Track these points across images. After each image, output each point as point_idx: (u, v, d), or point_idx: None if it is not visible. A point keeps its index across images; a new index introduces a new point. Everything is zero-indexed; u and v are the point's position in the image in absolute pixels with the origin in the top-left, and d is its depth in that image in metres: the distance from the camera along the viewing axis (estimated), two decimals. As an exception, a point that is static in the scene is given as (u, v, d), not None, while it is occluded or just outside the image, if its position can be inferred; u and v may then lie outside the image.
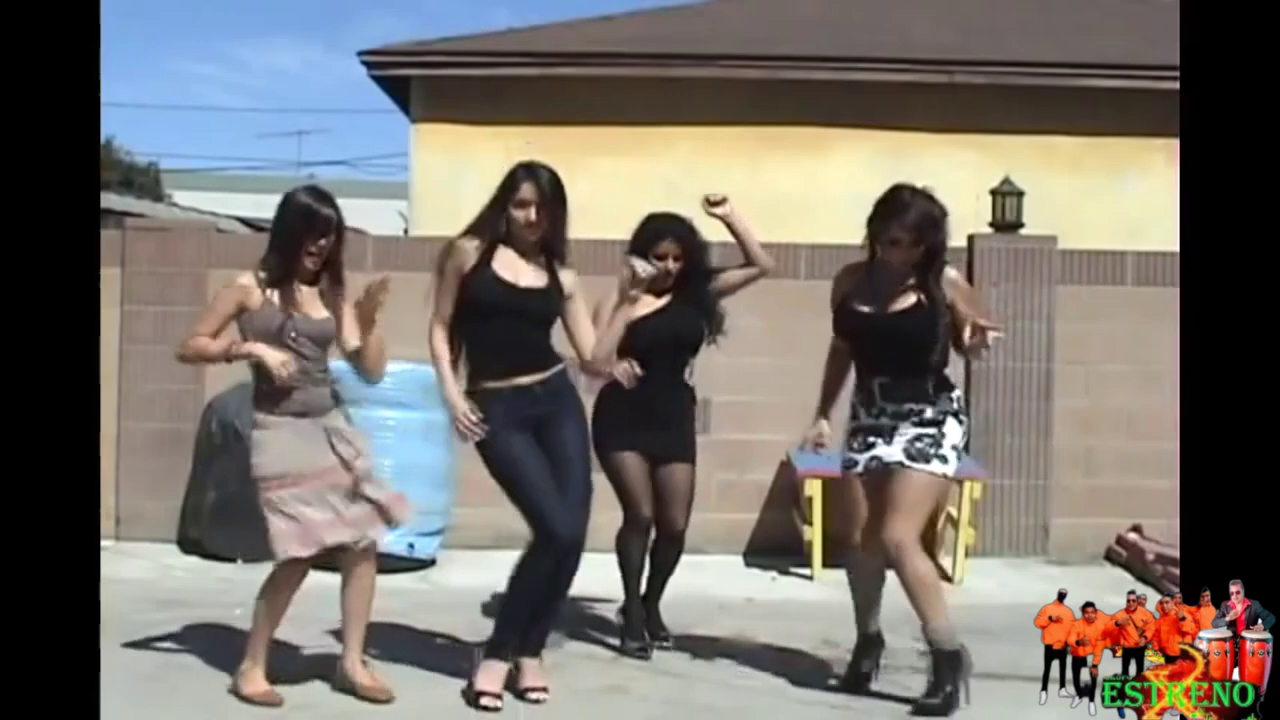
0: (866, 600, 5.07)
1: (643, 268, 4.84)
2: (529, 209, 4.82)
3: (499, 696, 4.79)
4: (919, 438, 4.81)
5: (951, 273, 4.92)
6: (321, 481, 4.79)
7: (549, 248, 4.92)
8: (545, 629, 5.01)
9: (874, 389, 4.89)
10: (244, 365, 7.39)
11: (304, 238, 4.80)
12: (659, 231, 5.50)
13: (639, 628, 5.57)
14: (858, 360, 4.99)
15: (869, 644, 5.09)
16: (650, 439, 5.45)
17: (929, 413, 4.83)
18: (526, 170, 4.88)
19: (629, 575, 5.58)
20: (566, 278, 4.97)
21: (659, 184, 11.05)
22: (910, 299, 4.84)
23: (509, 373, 4.84)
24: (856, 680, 5.05)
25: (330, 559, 4.89)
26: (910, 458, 4.79)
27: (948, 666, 4.77)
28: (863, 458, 4.89)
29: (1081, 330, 7.91)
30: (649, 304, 5.36)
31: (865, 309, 4.89)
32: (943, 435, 4.83)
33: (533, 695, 4.88)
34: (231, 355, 4.84)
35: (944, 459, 4.82)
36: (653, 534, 5.58)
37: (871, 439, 4.87)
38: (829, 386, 5.15)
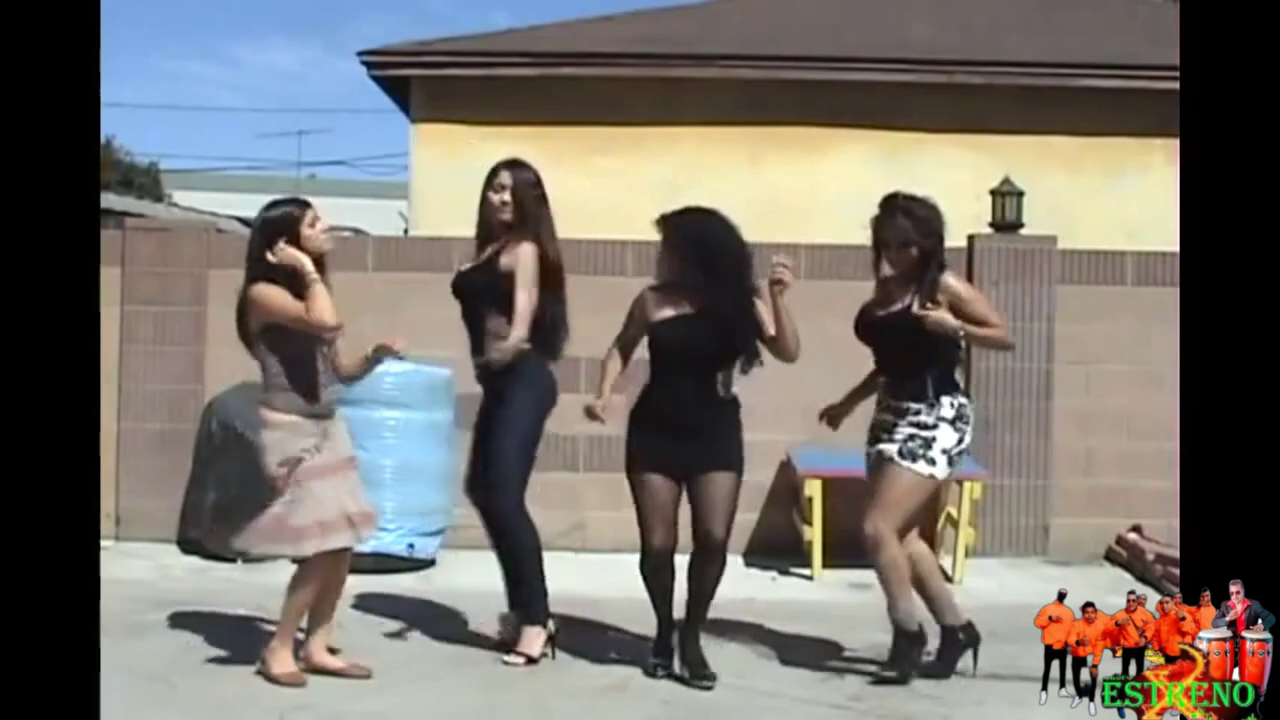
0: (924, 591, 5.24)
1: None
2: (503, 192, 5.38)
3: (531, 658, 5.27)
4: (912, 437, 5.03)
5: (950, 280, 5.14)
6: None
7: (517, 232, 5.34)
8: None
9: (881, 387, 5.22)
10: (243, 365, 7.39)
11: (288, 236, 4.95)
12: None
13: (665, 650, 5.26)
14: (874, 360, 5.32)
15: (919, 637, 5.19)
16: (677, 452, 5.07)
17: (925, 416, 5.02)
18: (506, 163, 5.47)
19: (653, 601, 5.24)
20: (506, 258, 5.33)
21: (659, 184, 11.05)
22: (901, 302, 5.10)
23: (473, 351, 5.40)
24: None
25: None
26: (900, 455, 5.03)
27: (907, 643, 5.09)
28: (872, 451, 5.18)
29: (1081, 330, 7.90)
30: (674, 308, 5.13)
31: (879, 311, 5.20)
32: (934, 439, 5.02)
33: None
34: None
35: (932, 461, 5.02)
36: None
37: (878, 433, 5.17)
38: (861, 386, 5.42)
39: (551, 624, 5.34)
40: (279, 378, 4.93)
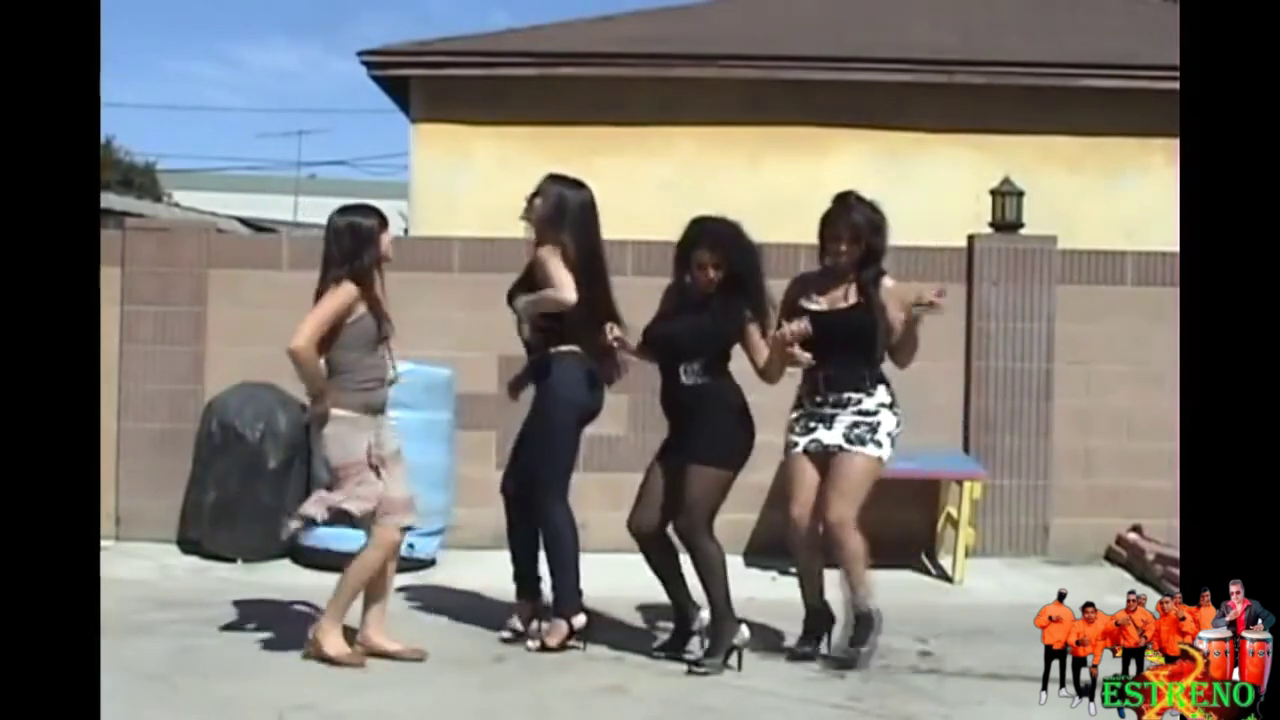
0: (806, 571, 5.46)
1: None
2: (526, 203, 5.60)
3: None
4: (856, 424, 5.31)
5: (889, 282, 5.40)
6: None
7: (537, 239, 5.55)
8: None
9: (819, 380, 5.33)
10: (243, 365, 7.40)
11: (378, 245, 5.17)
12: (696, 239, 5.31)
13: (676, 635, 5.54)
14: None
15: (816, 617, 5.46)
16: (668, 443, 5.48)
17: (866, 403, 5.32)
18: (548, 178, 5.66)
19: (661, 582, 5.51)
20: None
21: (659, 184, 11.07)
22: (852, 297, 5.34)
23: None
24: (805, 655, 5.41)
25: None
26: (849, 441, 5.29)
27: (864, 627, 5.30)
28: (804, 440, 5.37)
29: (1081, 330, 7.90)
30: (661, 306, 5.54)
31: (812, 306, 5.36)
32: (878, 424, 5.31)
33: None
34: (319, 407, 5.14)
35: (879, 444, 5.31)
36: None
37: (813, 425, 5.37)
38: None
39: (582, 618, 5.47)
40: (345, 375, 5.14)
